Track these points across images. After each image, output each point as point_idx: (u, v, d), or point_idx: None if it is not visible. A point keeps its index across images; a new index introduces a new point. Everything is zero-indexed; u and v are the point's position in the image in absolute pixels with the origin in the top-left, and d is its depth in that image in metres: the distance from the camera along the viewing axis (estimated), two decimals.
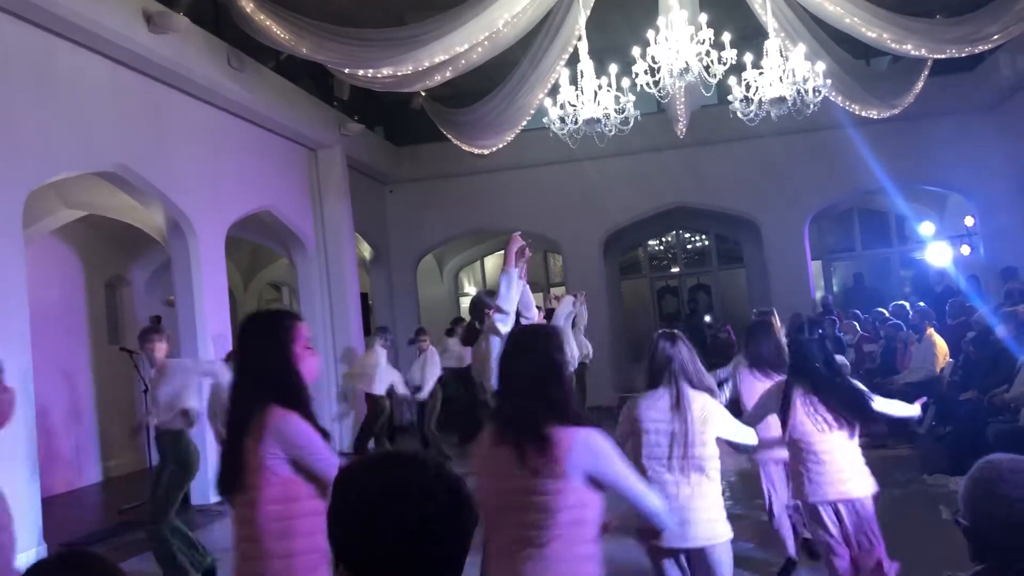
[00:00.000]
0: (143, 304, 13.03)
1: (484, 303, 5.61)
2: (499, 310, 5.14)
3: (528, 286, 5.89)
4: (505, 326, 5.25)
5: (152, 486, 6.28)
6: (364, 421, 11.10)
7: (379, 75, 9.69)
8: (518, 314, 5.91)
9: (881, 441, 9.76)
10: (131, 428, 9.02)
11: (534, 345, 2.88)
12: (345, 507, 1.29)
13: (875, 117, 12.01)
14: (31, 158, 7.28)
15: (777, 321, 6.00)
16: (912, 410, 4.93)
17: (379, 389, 10.70)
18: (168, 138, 9.27)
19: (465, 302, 19.03)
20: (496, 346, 5.29)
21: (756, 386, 5.25)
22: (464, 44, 9.34)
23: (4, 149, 6.93)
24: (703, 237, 18.65)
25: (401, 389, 10.95)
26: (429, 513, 1.27)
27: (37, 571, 1.53)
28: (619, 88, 8.77)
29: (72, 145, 7.84)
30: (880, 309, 12.67)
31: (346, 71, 9.82)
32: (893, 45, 9.86)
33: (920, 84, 11.28)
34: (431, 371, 11.22)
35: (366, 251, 16.12)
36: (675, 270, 18.86)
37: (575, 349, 7.75)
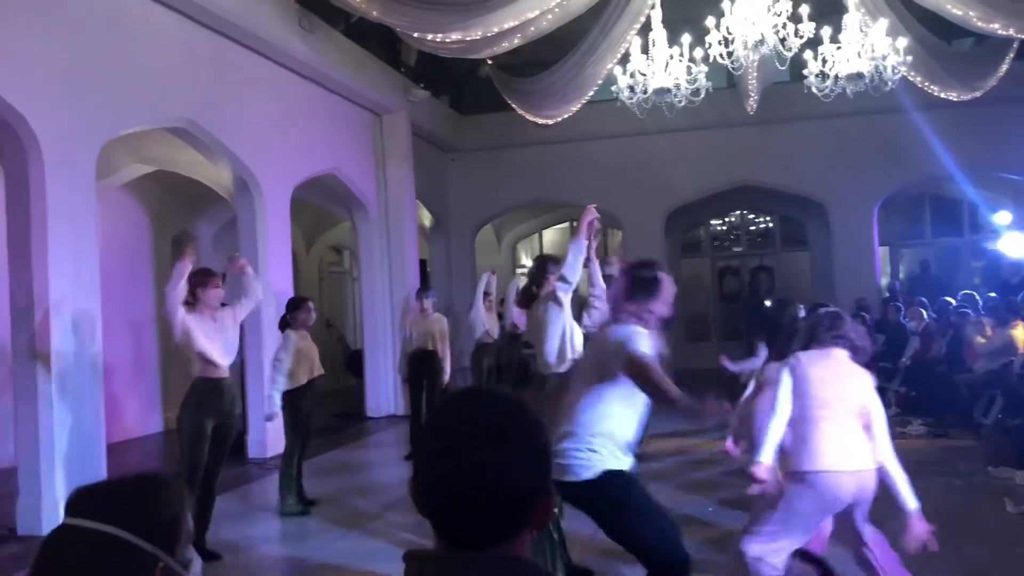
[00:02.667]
0: (208, 260, 13.22)
1: (547, 269, 5.53)
2: (563, 279, 5.05)
3: (596, 261, 5.79)
4: (566, 296, 5.16)
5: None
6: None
7: (447, 40, 9.64)
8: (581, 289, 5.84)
9: (943, 431, 9.56)
10: None
11: None
12: (422, 436, 1.27)
13: (955, 99, 11.61)
14: (103, 111, 7.40)
15: None
16: None
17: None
18: (237, 96, 9.36)
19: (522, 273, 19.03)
20: (554, 314, 5.22)
21: None
22: (534, 10, 9.23)
23: (78, 102, 7.05)
24: (767, 218, 18.34)
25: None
26: (489, 459, 1.21)
27: (116, 485, 1.56)
28: (691, 59, 8.60)
29: (142, 99, 7.95)
30: (947, 298, 12.33)
31: (415, 35, 9.78)
32: (979, 24, 9.48)
33: (1005, 66, 10.86)
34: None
35: (426, 218, 16.18)
36: (738, 250, 18.59)
37: None
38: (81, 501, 1.49)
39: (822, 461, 3.84)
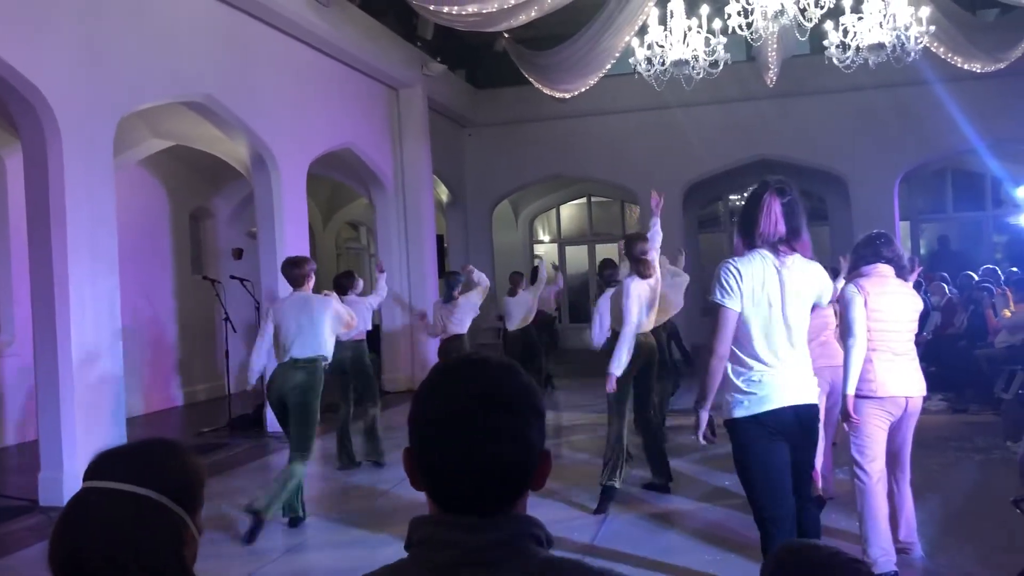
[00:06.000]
0: (226, 236, 13.30)
1: None
2: None
3: None
4: None
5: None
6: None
7: (463, 13, 9.57)
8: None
9: (963, 406, 9.49)
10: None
11: None
12: (424, 405, 1.25)
13: (978, 71, 11.44)
14: (121, 86, 7.40)
15: None
16: None
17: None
18: (253, 71, 9.34)
19: (540, 249, 18.98)
20: None
21: None
22: None
23: (96, 76, 7.05)
24: None
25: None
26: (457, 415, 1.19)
27: (141, 449, 1.56)
28: (710, 30, 8.51)
29: (160, 74, 7.95)
30: (969, 273, 12.21)
31: (431, 8, 9.71)
32: None
33: None
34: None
35: (443, 193, 16.15)
36: None
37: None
38: (107, 464, 1.49)
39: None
